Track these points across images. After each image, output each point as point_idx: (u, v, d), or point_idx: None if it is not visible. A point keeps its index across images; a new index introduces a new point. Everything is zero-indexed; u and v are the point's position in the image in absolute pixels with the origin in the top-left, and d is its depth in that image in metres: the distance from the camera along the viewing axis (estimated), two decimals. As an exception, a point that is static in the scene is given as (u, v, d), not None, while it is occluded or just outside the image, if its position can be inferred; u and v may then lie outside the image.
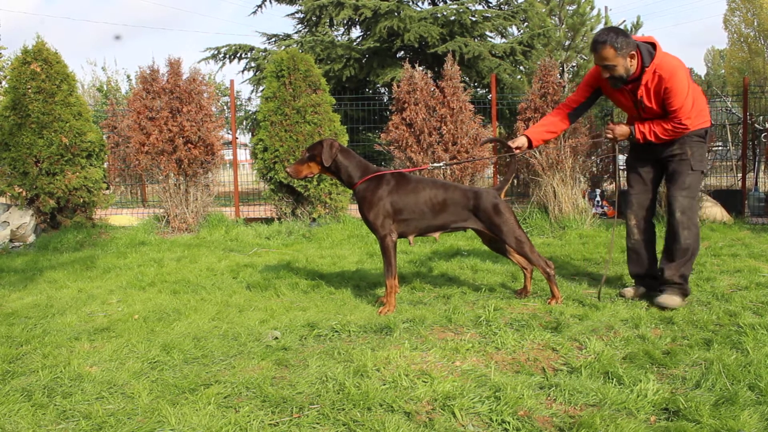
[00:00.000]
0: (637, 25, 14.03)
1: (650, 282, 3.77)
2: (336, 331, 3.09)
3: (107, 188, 8.36)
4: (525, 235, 3.64)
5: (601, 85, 3.65)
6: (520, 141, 3.78)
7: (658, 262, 3.71)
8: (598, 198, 8.51)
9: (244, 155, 13.42)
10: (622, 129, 3.61)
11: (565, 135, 7.33)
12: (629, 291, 3.73)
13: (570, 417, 2.08)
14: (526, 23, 13.61)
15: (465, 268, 4.75)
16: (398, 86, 7.62)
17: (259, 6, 14.96)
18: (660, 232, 3.87)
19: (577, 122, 7.44)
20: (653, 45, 3.40)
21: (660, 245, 3.78)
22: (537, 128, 3.84)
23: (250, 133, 13.69)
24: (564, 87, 8.24)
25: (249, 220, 8.10)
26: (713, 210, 7.26)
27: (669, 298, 3.44)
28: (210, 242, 6.59)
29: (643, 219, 3.76)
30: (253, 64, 13.71)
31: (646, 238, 3.78)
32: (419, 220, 3.60)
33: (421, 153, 7.39)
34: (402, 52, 13.24)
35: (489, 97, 10.65)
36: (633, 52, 3.33)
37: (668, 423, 2.02)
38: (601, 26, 14.04)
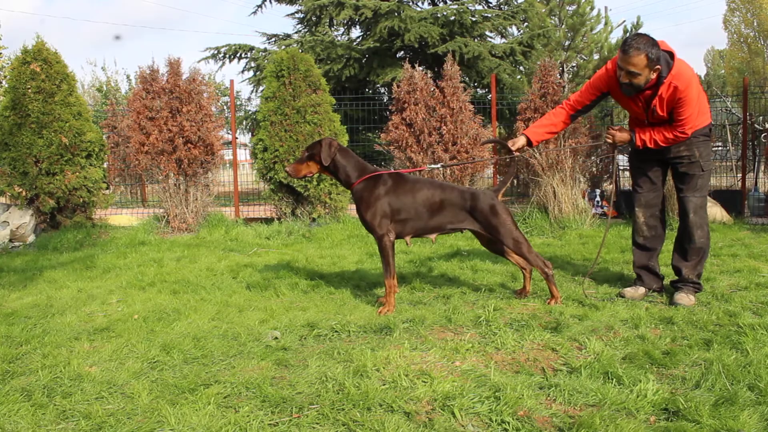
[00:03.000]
0: (637, 26, 14.02)
1: (648, 277, 3.84)
2: (336, 331, 3.09)
3: (107, 188, 8.36)
4: (523, 236, 3.64)
5: (611, 89, 3.63)
6: (520, 141, 3.78)
7: (671, 260, 3.81)
8: (597, 198, 8.51)
9: (244, 155, 13.42)
10: (623, 135, 3.62)
11: (564, 135, 7.33)
12: (629, 291, 3.74)
13: (570, 417, 2.08)
14: (525, 23, 13.61)
15: (465, 268, 4.74)
16: (398, 86, 7.62)
17: (259, 6, 14.96)
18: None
19: (577, 122, 7.45)
20: (671, 54, 3.37)
21: (668, 244, 3.83)
22: (537, 128, 3.84)
23: (250, 133, 13.69)
24: (564, 87, 8.24)
25: (249, 220, 8.10)
26: (713, 210, 7.26)
27: (685, 297, 3.54)
28: (210, 242, 6.59)
29: (652, 216, 3.81)
30: (253, 64, 13.71)
31: (655, 234, 3.84)
32: (416, 220, 3.60)
33: (421, 153, 7.39)
34: (402, 52, 13.24)
35: (489, 97, 10.65)
36: (658, 67, 3.30)
37: (668, 423, 2.02)
38: (600, 27, 14.05)
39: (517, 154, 3.80)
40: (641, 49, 3.24)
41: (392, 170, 3.76)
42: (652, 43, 3.28)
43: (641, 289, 3.76)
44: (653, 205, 3.81)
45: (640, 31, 14.22)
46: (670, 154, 3.63)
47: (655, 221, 3.83)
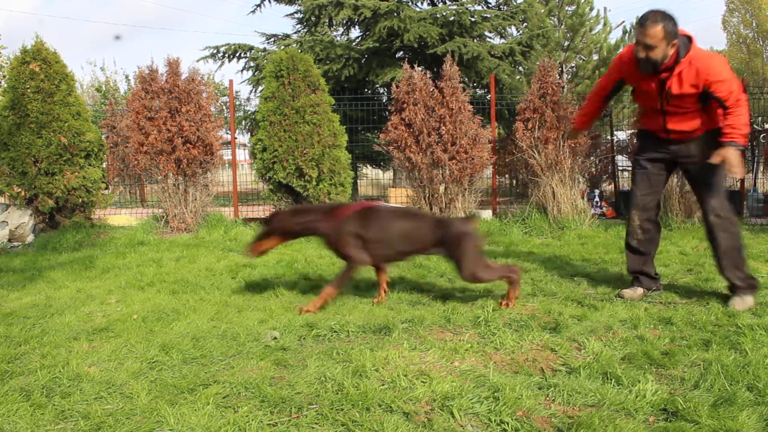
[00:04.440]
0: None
1: (646, 279, 3.80)
2: (335, 332, 3.09)
3: (106, 188, 8.35)
4: (482, 266, 3.52)
5: (624, 76, 3.63)
6: (575, 131, 4.18)
7: (720, 269, 3.65)
8: (596, 198, 8.52)
9: (243, 155, 13.41)
10: (735, 156, 3.32)
11: (564, 135, 7.34)
12: (628, 292, 3.74)
13: (569, 417, 2.08)
14: (525, 24, 13.61)
15: (464, 268, 4.74)
16: (397, 86, 7.62)
17: (258, 5, 14.93)
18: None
19: (576, 123, 7.45)
20: (689, 39, 3.34)
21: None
22: (582, 117, 4.00)
23: (249, 133, 13.68)
24: (563, 87, 8.24)
25: (248, 220, 8.09)
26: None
27: (739, 301, 3.43)
28: (209, 242, 6.59)
29: (647, 220, 3.76)
30: (252, 64, 13.69)
31: (649, 237, 3.79)
32: (389, 250, 3.61)
33: (420, 153, 7.39)
34: (401, 53, 13.23)
35: (488, 97, 10.65)
36: (675, 42, 3.26)
37: (667, 423, 2.03)
38: (600, 27, 14.07)
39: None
40: (658, 21, 3.21)
41: (361, 203, 3.82)
42: (670, 17, 3.24)
43: (639, 290, 3.75)
44: (650, 209, 3.76)
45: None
46: (682, 153, 3.57)
47: (650, 225, 3.78)
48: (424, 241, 3.60)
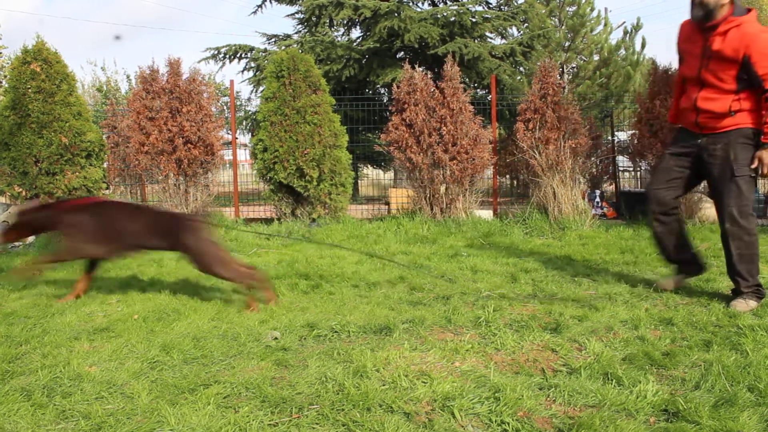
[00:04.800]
0: (637, 27, 14.04)
1: (684, 265, 3.84)
2: (335, 332, 3.09)
3: (107, 188, 8.35)
4: (221, 262, 3.64)
5: (680, 39, 3.58)
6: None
7: (729, 274, 3.61)
8: (597, 199, 8.52)
9: (243, 155, 13.42)
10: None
11: (564, 136, 7.34)
12: (668, 282, 3.80)
13: (569, 418, 2.08)
14: (526, 24, 13.61)
15: (464, 268, 4.75)
16: (398, 87, 7.62)
17: (259, 6, 14.96)
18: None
19: (576, 123, 7.47)
20: (749, 10, 3.29)
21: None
22: (673, 109, 3.86)
23: (250, 134, 13.70)
24: (564, 88, 8.24)
25: (249, 221, 8.10)
26: (713, 211, 7.25)
27: (742, 303, 3.40)
28: (209, 242, 6.58)
29: (662, 213, 3.73)
30: (253, 65, 13.71)
31: (668, 229, 3.76)
32: (111, 243, 3.80)
33: (421, 154, 7.39)
34: (402, 53, 13.24)
35: (489, 98, 10.66)
36: None
37: (668, 424, 2.03)
38: (600, 28, 14.05)
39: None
40: None
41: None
42: None
43: (680, 276, 3.83)
44: (665, 203, 3.70)
45: (639, 33, 14.23)
46: (708, 150, 3.47)
47: (666, 218, 3.73)
48: (147, 234, 3.73)
